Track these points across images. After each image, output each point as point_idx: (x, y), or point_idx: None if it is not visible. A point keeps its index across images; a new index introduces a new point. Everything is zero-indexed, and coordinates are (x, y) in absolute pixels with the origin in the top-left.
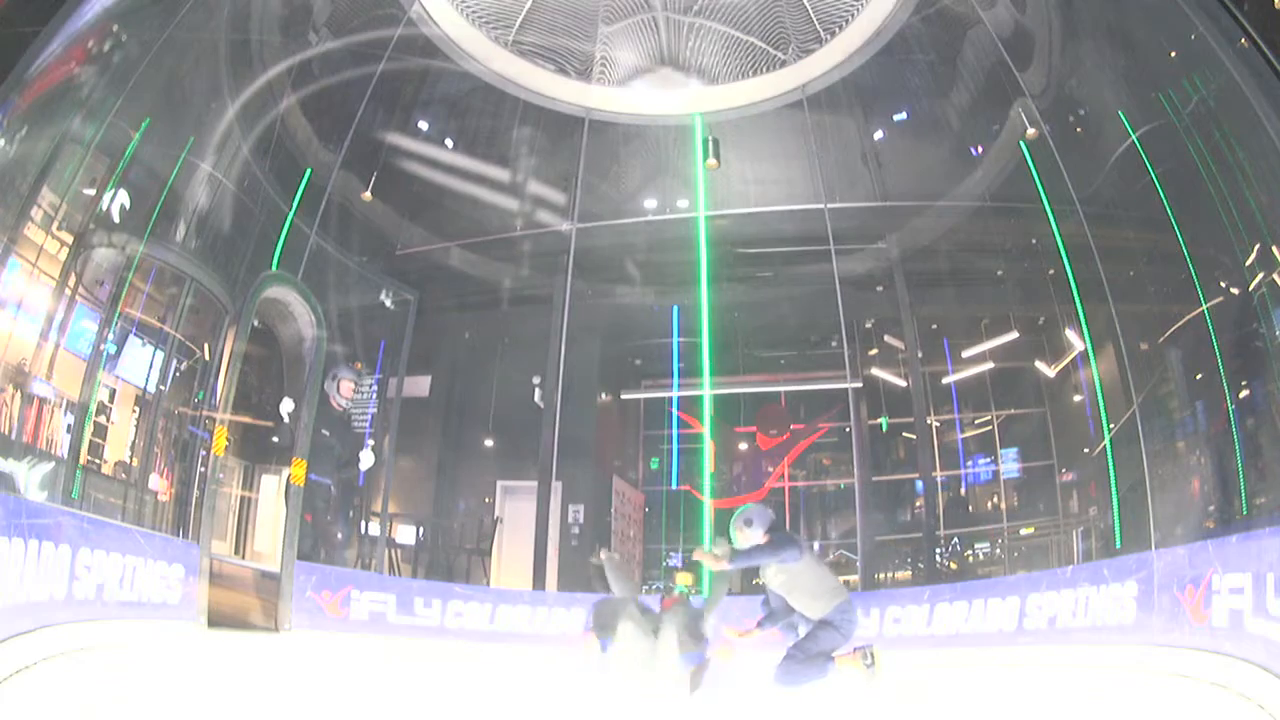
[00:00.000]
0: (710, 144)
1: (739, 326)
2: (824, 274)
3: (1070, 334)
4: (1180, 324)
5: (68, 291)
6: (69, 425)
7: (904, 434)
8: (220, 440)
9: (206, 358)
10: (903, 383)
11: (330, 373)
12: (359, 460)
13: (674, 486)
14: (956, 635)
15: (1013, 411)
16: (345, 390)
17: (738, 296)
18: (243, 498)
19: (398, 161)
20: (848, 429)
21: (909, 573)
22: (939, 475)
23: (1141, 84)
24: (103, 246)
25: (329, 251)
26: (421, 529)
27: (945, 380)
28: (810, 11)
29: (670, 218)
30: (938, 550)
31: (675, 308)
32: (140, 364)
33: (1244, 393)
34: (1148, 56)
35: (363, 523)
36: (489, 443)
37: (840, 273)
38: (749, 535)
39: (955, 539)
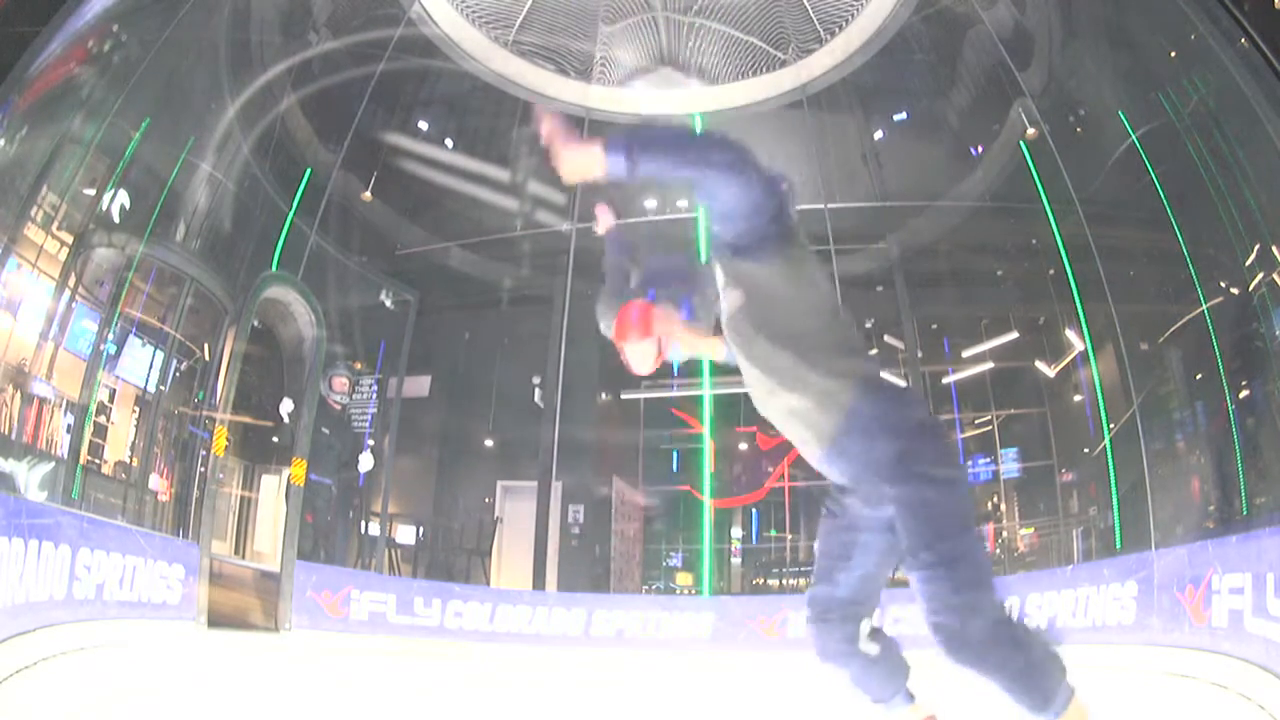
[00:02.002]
0: None
1: None
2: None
3: (1070, 334)
4: (1180, 324)
5: (68, 291)
6: (69, 425)
7: None
8: (220, 440)
9: (206, 358)
10: (903, 383)
11: (324, 372)
12: (358, 463)
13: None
14: None
15: (1013, 411)
16: (338, 385)
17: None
18: (243, 498)
19: (398, 161)
20: None
21: None
22: None
23: (1141, 84)
24: (103, 246)
25: (329, 251)
26: (421, 529)
27: (945, 380)
28: (810, 11)
29: (670, 218)
30: None
31: None
32: (140, 364)
33: (1244, 393)
34: (1148, 56)
35: (363, 523)
36: (489, 443)
37: (840, 273)
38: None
39: None
